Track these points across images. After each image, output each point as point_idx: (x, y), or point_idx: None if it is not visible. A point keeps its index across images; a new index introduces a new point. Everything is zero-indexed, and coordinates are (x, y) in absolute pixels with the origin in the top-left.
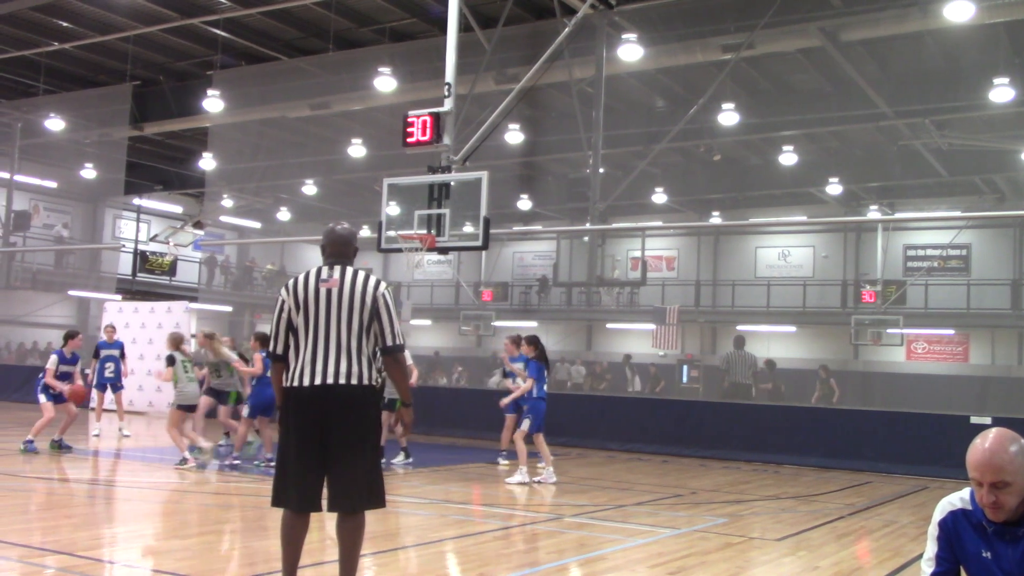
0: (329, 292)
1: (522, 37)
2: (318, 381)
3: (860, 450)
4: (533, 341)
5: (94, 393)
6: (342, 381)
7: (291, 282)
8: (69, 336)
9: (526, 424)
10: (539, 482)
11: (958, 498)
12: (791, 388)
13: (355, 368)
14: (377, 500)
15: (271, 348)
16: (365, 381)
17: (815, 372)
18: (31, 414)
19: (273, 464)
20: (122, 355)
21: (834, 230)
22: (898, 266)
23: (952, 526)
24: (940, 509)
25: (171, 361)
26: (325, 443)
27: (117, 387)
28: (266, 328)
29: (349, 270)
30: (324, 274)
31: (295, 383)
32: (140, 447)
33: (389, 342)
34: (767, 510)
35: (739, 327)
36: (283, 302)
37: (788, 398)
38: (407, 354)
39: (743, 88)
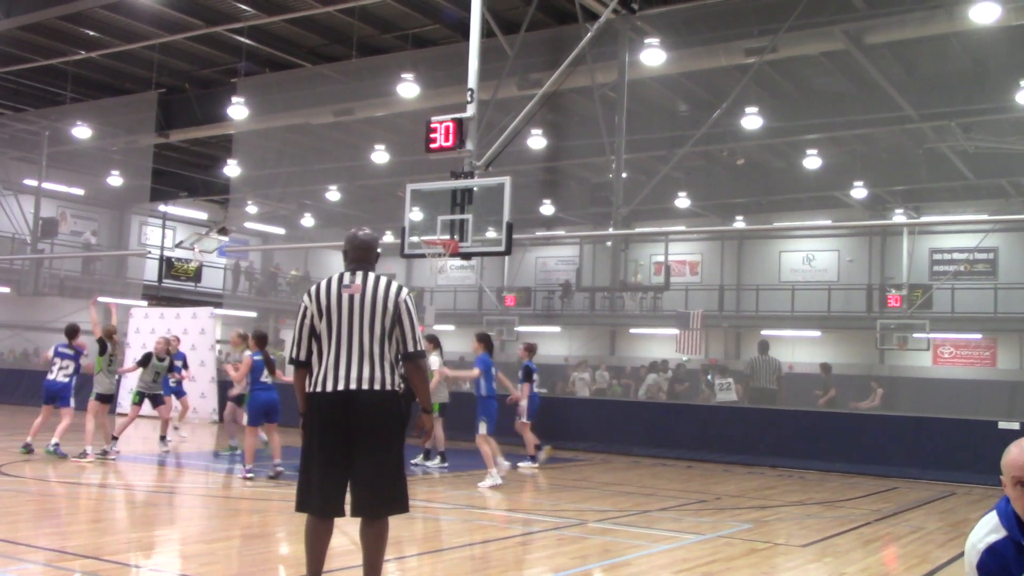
0: (352, 298)
1: (544, 42)
2: (341, 387)
3: (886, 456)
4: (483, 339)
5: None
6: (365, 387)
7: (314, 288)
8: (72, 332)
9: (483, 427)
10: (480, 488)
11: (986, 529)
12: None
13: (378, 374)
14: (400, 505)
15: (294, 354)
16: (388, 387)
17: (847, 377)
18: (58, 419)
19: (280, 470)
20: (184, 365)
21: (859, 234)
22: (924, 270)
23: (990, 564)
24: (974, 550)
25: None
26: (348, 448)
27: (181, 394)
28: (290, 332)
29: (371, 276)
30: (346, 280)
31: (318, 388)
32: (173, 452)
33: (410, 348)
34: (792, 516)
35: (763, 332)
36: (306, 308)
37: (815, 403)
38: (437, 360)
39: (767, 91)
